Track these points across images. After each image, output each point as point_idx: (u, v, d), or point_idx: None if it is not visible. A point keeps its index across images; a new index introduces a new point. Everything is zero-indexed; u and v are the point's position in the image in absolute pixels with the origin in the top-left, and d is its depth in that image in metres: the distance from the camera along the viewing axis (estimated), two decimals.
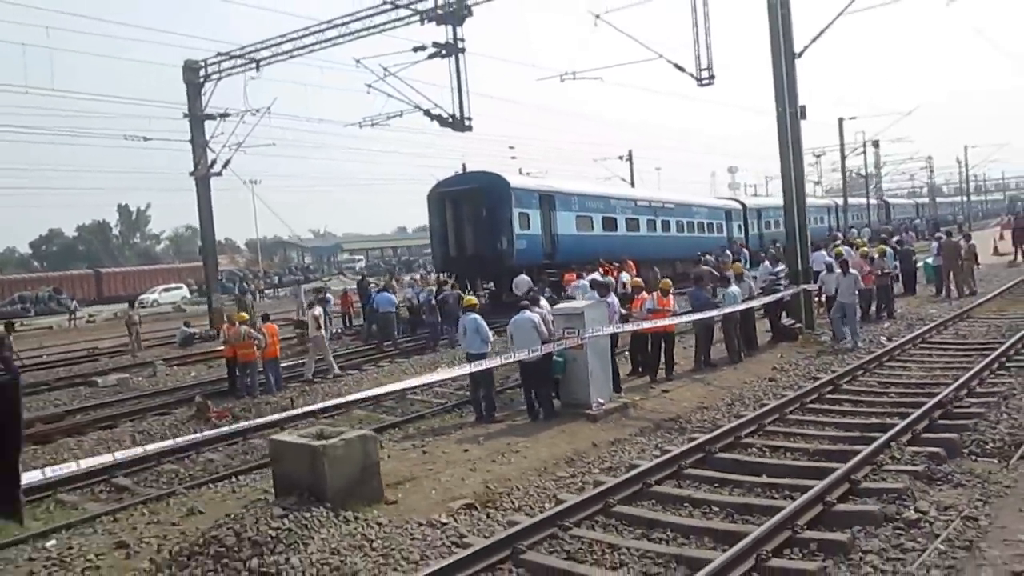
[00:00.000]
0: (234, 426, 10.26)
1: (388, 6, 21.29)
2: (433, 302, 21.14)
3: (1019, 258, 28.78)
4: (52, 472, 7.04)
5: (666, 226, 34.79)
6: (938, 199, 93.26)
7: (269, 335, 16.28)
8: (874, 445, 8.34)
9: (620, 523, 7.27)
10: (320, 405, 10.98)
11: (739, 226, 41.22)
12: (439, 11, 20.69)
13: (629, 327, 12.95)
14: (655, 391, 12.71)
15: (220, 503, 8.76)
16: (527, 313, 11.11)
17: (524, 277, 23.73)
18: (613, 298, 12.71)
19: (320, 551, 6.91)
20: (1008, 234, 33.37)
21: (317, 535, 7.15)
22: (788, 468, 8.35)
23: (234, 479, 9.96)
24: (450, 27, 20.77)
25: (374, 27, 22.43)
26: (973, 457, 8.33)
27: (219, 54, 25.73)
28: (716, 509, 7.36)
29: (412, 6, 21.40)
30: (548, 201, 27.31)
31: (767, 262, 19.05)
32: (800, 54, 16.83)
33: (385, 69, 21.93)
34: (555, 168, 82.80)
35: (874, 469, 7.88)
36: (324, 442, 7.68)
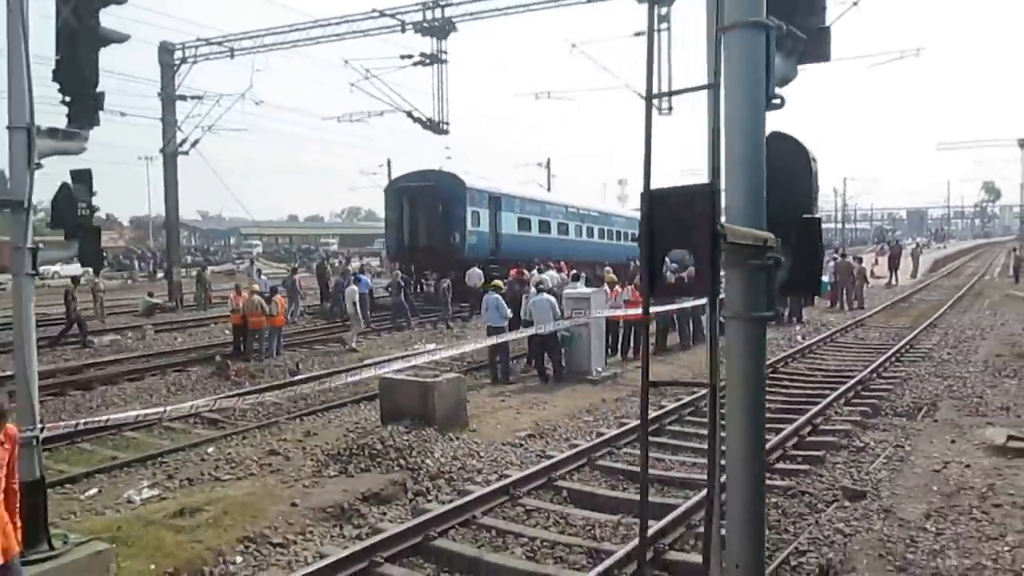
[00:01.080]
0: (337, 375, 12.36)
1: (376, 14, 23.32)
2: (401, 287, 23.36)
3: (894, 281, 33.45)
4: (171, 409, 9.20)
5: (591, 232, 37.91)
6: None
7: (279, 306, 18.15)
8: (822, 403, 11.40)
9: (651, 446, 9.98)
10: (387, 358, 13.20)
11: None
12: (425, 24, 22.90)
13: (610, 313, 15.68)
14: (630, 367, 15.50)
15: (323, 429, 10.93)
16: (545, 295, 13.68)
17: (476, 270, 26.13)
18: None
19: (443, 456, 9.30)
20: (884, 260, 38.29)
21: (436, 447, 9.52)
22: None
23: (319, 414, 12.07)
24: (435, 39, 23.00)
25: (359, 31, 24.40)
26: (890, 415, 11.47)
27: (198, 39, 27.00)
28: None
29: (398, 16, 23.51)
30: (495, 202, 29.82)
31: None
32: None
33: (367, 71, 23.98)
34: (481, 170, 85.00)
35: (825, 419, 10.91)
36: (435, 379, 10.06)
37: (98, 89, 6.42)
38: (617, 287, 16.87)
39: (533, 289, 14.93)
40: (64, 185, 6.39)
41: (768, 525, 6.55)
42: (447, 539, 6.97)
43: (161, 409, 9.77)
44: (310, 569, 6.08)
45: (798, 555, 6.41)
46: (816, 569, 6.07)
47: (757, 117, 3.02)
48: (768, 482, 7.07)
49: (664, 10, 20.25)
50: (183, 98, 27.81)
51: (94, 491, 8.54)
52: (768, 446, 9.08)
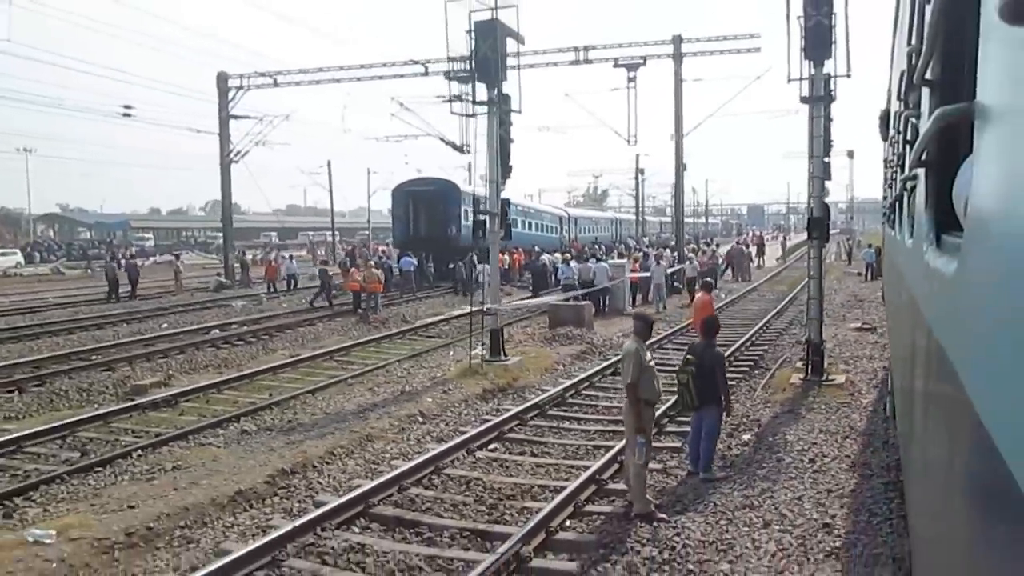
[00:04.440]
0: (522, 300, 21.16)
1: (420, 67, 31.72)
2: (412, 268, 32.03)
3: (762, 263, 44.85)
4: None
5: (530, 226, 47.38)
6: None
7: (381, 276, 26.42)
8: (756, 327, 21.26)
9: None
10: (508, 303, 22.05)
11: (566, 229, 54.95)
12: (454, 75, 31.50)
13: (631, 276, 25.05)
14: (638, 306, 25.00)
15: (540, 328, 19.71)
16: (602, 263, 22.99)
17: (474, 255, 34.99)
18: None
19: (598, 339, 18.39)
20: (752, 248, 49.87)
21: (592, 336, 18.61)
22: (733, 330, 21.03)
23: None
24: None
25: (399, 76, 32.67)
26: (798, 324, 21.42)
27: (254, 73, 34.37)
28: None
29: (429, 65, 32.02)
30: (478, 202, 38.62)
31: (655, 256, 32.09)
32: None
33: (401, 104, 32.34)
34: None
35: (759, 334, 20.77)
36: (583, 303, 19.17)
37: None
38: (636, 262, 26.30)
39: (593, 263, 24.31)
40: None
41: (764, 351, 16.16)
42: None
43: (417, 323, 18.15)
44: (583, 375, 15.04)
45: (766, 354, 15.99)
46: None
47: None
48: (754, 347, 16.73)
49: (632, 73, 29.97)
50: (236, 117, 34.98)
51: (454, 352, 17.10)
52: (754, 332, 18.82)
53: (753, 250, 42.69)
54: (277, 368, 15.55)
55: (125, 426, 11.44)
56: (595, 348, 17.54)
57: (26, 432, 10.56)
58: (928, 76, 2.65)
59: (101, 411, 12.06)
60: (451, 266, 36.66)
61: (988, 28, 1.46)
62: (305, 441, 10.05)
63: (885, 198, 11.06)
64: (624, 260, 26.37)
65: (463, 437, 9.87)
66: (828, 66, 12.62)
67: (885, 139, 8.18)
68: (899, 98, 4.70)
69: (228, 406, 12.48)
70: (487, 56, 14.76)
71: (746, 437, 9.92)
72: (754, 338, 18.31)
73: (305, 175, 50.79)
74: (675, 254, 31.81)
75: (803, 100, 12.57)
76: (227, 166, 35.38)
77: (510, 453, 9.77)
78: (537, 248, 35.01)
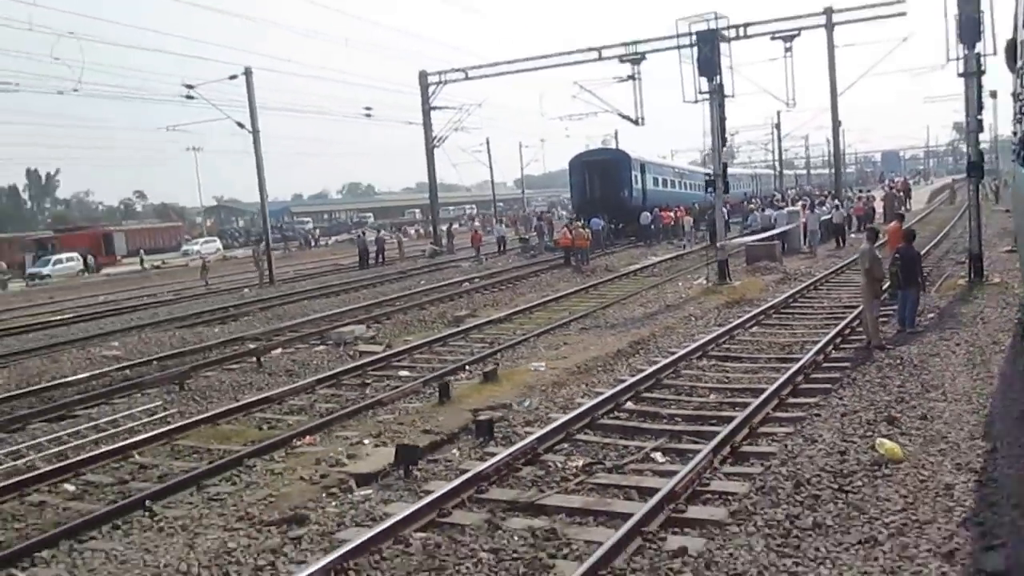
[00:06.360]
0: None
1: (595, 53, 36.89)
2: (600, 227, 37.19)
3: (909, 207, 47.80)
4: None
5: (686, 186, 51.92)
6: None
7: (590, 235, 31.83)
8: (946, 228, 25.40)
9: None
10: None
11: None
12: (626, 58, 36.51)
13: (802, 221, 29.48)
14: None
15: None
16: (784, 210, 27.64)
17: (647, 213, 40.05)
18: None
19: (790, 268, 23.21)
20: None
21: (786, 265, 23.43)
22: None
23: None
24: (632, 64, 36.59)
25: (576, 63, 37.94)
26: (948, 260, 25.44)
27: (450, 69, 40.43)
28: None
29: (603, 51, 37.10)
30: (643, 168, 43.66)
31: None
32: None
33: (581, 86, 37.62)
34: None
35: (948, 234, 24.93)
36: (772, 242, 24.01)
37: None
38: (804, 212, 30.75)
39: (772, 211, 29.00)
40: None
41: (930, 271, 20.53)
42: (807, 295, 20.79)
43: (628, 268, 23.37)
44: (791, 292, 19.87)
45: (931, 272, 20.35)
46: None
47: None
48: None
49: (789, 44, 34.17)
50: (437, 108, 41.21)
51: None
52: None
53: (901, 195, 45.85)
54: (550, 301, 21.12)
55: (480, 336, 17.02)
56: (789, 275, 22.37)
57: (413, 344, 16.10)
58: None
59: (446, 333, 17.06)
60: (620, 226, 41.79)
61: None
62: (630, 331, 15.58)
63: (1014, 134, 9.89)
64: (798, 208, 30.85)
65: (738, 321, 15.16)
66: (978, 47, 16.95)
67: (1012, 71, 7.28)
68: None
69: (551, 316, 18.18)
70: (708, 56, 19.60)
71: (931, 316, 14.70)
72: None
73: (466, 152, 56.44)
74: (836, 201, 35.85)
75: (960, 76, 16.98)
76: (431, 151, 41.73)
77: (768, 330, 14.99)
78: (696, 205, 39.97)
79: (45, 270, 50.06)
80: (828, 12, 34.02)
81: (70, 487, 8.81)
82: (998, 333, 12.57)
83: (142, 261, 56.37)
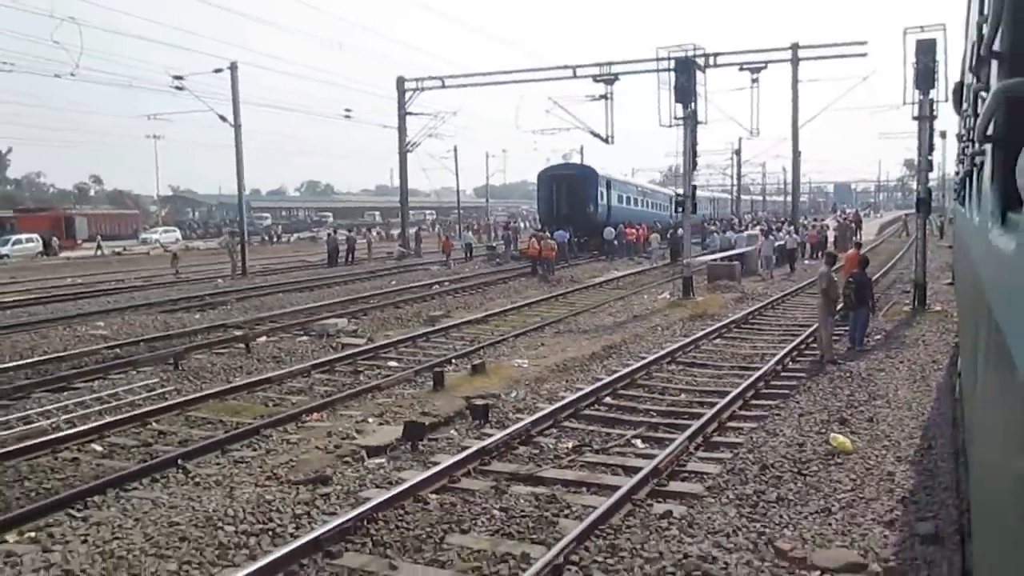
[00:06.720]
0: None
1: (570, 71, 38.15)
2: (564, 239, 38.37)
3: (860, 238, 49.95)
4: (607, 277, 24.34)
5: (648, 204, 53.46)
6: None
7: (556, 247, 32.97)
8: (886, 267, 27.06)
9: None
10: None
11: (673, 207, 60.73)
12: (600, 78, 37.85)
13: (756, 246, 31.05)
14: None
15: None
16: (744, 233, 29.10)
17: (610, 228, 41.37)
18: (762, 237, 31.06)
19: (747, 289, 24.60)
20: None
21: (742, 287, 24.82)
22: None
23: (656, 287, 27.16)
24: (605, 84, 37.94)
25: (551, 79, 39.16)
26: (906, 280, 27.13)
27: (427, 76, 41.35)
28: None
29: (577, 69, 38.40)
30: (608, 184, 45.02)
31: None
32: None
33: (555, 102, 38.85)
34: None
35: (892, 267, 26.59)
36: (733, 263, 25.40)
37: None
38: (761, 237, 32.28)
39: (732, 233, 30.42)
40: None
41: (877, 298, 22.08)
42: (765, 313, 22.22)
43: (608, 277, 24.60)
44: (750, 309, 21.24)
45: (879, 300, 21.90)
46: None
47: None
48: None
49: (755, 76, 35.80)
50: (412, 114, 42.09)
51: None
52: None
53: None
54: (522, 306, 22.12)
55: (460, 335, 18.04)
56: (747, 295, 23.72)
57: (395, 339, 17.07)
58: (996, 48, 2.49)
59: (425, 331, 17.97)
60: (584, 240, 42.99)
61: None
62: (602, 337, 16.66)
63: (956, 173, 10.36)
64: (757, 232, 32.37)
65: (702, 333, 16.35)
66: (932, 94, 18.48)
67: (959, 113, 7.75)
68: (971, 70, 4.50)
69: (525, 320, 19.19)
70: (684, 85, 20.86)
71: (877, 337, 16.07)
72: None
73: (434, 158, 56.80)
74: (791, 227, 37.54)
75: (914, 119, 18.49)
76: (404, 155, 42.57)
77: (731, 342, 16.20)
78: (658, 224, 41.50)
79: (3, 249, 49.52)
80: (794, 47, 35.76)
81: (98, 447, 9.54)
82: (937, 354, 13.92)
83: (99, 246, 55.92)
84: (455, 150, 69.79)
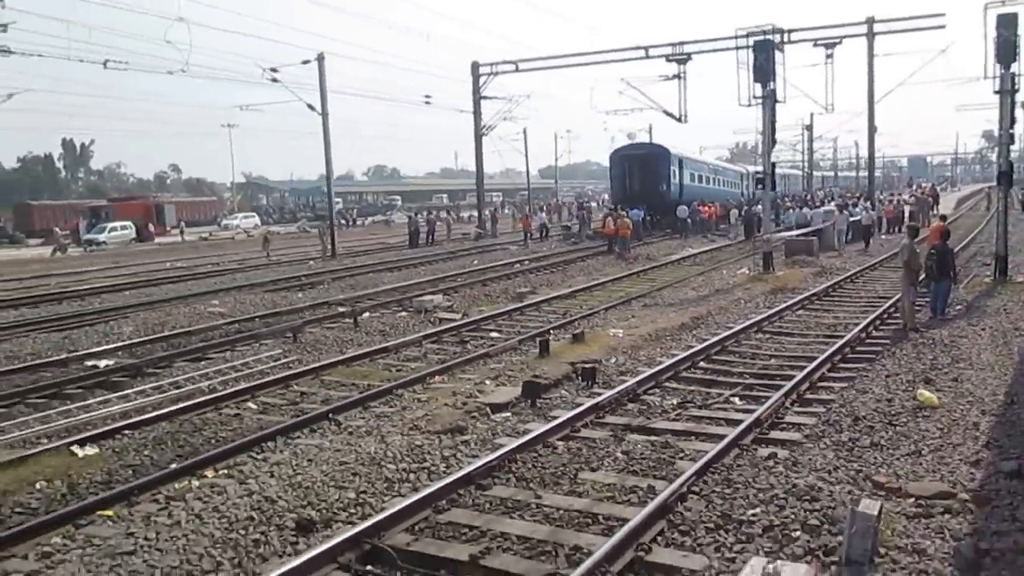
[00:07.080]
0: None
1: (641, 51, 38.62)
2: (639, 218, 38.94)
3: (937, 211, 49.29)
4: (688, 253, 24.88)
5: (720, 182, 53.60)
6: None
7: (631, 225, 33.67)
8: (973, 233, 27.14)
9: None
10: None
11: (746, 185, 60.57)
12: (672, 57, 38.24)
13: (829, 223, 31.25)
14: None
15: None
16: (820, 209, 29.39)
17: (683, 206, 41.81)
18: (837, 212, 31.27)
19: (824, 263, 25.01)
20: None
21: (819, 262, 25.22)
22: None
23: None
24: (678, 64, 38.32)
25: (623, 60, 39.68)
26: (975, 263, 27.11)
27: (502, 61, 42.28)
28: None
29: (650, 50, 38.83)
30: (680, 163, 45.39)
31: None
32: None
33: (627, 83, 39.38)
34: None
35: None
36: (810, 238, 25.82)
37: None
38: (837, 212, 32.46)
39: (808, 210, 30.71)
40: None
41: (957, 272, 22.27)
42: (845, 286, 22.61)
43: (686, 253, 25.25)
44: (828, 283, 21.70)
45: (959, 273, 22.10)
46: None
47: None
48: None
49: (830, 51, 35.84)
50: (487, 98, 43.10)
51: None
52: None
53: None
54: (605, 283, 23.02)
55: (551, 309, 19.04)
56: (825, 270, 24.15)
57: (489, 314, 18.15)
58: None
59: (515, 306, 19.02)
60: (657, 218, 43.53)
61: None
62: (688, 310, 17.48)
63: None
64: (833, 208, 32.58)
65: (784, 305, 17.05)
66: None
67: None
68: None
69: (610, 295, 20.12)
70: (763, 65, 21.34)
71: (959, 307, 16.51)
72: None
73: (503, 140, 57.68)
74: (867, 203, 37.50)
75: (995, 93, 18.71)
76: (479, 139, 43.66)
77: (814, 313, 16.87)
78: (731, 201, 41.78)
79: (101, 237, 52.41)
80: (870, 22, 35.58)
81: (252, 405, 10.87)
82: (1019, 321, 14.39)
83: (182, 232, 58.59)
84: (524, 132, 71.08)
